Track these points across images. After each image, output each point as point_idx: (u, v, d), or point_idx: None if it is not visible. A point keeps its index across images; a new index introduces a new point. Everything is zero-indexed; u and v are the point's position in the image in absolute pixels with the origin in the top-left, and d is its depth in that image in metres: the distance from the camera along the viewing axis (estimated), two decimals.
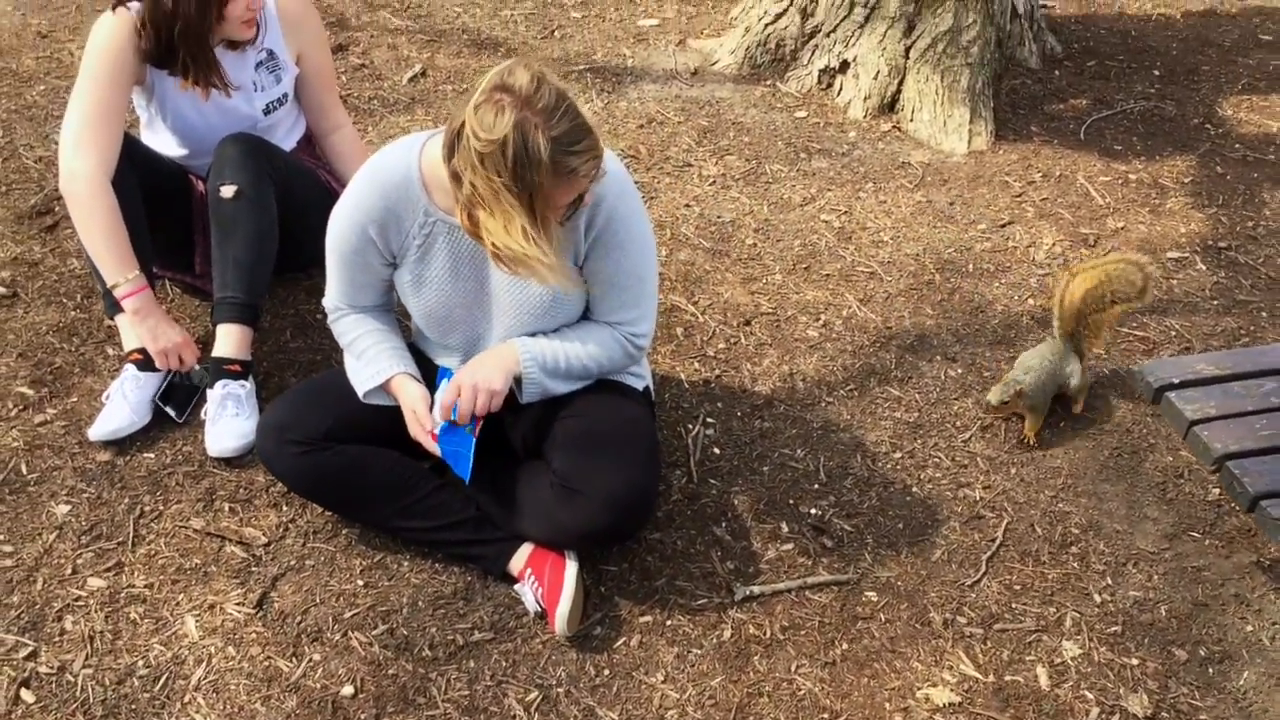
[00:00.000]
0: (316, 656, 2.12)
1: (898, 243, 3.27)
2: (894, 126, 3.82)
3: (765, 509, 2.45)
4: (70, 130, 2.47)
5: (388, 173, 2.09)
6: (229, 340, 2.53)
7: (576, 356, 2.18)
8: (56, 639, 2.12)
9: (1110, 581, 2.34)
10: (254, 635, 2.15)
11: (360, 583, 2.25)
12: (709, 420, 2.66)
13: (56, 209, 3.12)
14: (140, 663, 2.09)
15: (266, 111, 2.70)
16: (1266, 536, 2.35)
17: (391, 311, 2.33)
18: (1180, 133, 3.85)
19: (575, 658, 2.14)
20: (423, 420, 2.15)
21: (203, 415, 2.52)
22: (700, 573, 2.31)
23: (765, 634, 2.20)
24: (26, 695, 2.02)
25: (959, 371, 2.84)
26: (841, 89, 3.92)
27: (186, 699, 2.03)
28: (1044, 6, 4.45)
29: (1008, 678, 2.15)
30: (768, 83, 4.01)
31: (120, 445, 2.49)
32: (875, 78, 3.84)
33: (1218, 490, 2.54)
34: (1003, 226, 3.36)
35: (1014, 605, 2.29)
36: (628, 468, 2.14)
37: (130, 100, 2.60)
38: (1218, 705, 2.12)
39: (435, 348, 2.33)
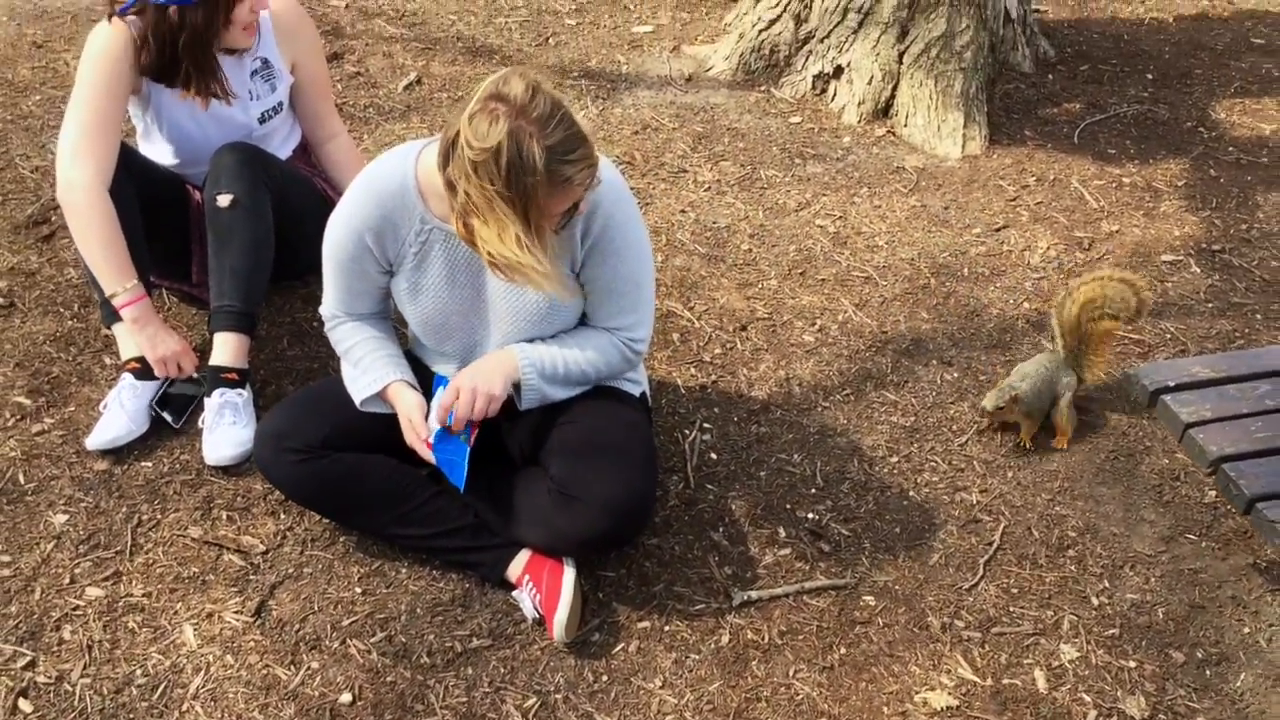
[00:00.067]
0: (315, 664, 2.12)
1: (893, 247, 3.28)
2: (888, 131, 3.83)
3: (762, 514, 2.46)
4: (67, 140, 2.47)
5: (384, 181, 2.10)
6: (226, 349, 2.53)
7: (575, 362, 2.18)
8: (54, 648, 2.12)
9: (1107, 584, 2.35)
10: (252, 643, 2.15)
11: (358, 590, 2.25)
12: (706, 426, 2.66)
13: (53, 219, 3.12)
14: (138, 671, 2.09)
15: (262, 120, 2.71)
16: (1263, 538, 2.36)
17: (388, 319, 2.34)
18: (1173, 136, 3.86)
19: (573, 664, 2.15)
20: (418, 428, 2.16)
21: (200, 424, 2.52)
22: (698, 578, 2.31)
23: (763, 639, 2.21)
24: (24, 705, 2.02)
25: (955, 375, 2.84)
26: (836, 94, 3.93)
27: (185, 708, 2.03)
28: (1036, 11, 4.46)
29: (1005, 681, 2.16)
30: (762, 88, 4.02)
31: (118, 454, 2.49)
32: (869, 83, 3.85)
33: (1214, 493, 2.54)
34: (997, 231, 3.37)
35: (1011, 608, 2.29)
36: (625, 474, 2.14)
37: (127, 110, 2.61)
38: (1215, 707, 2.12)
39: (432, 355, 2.33)
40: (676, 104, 3.91)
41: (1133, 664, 2.20)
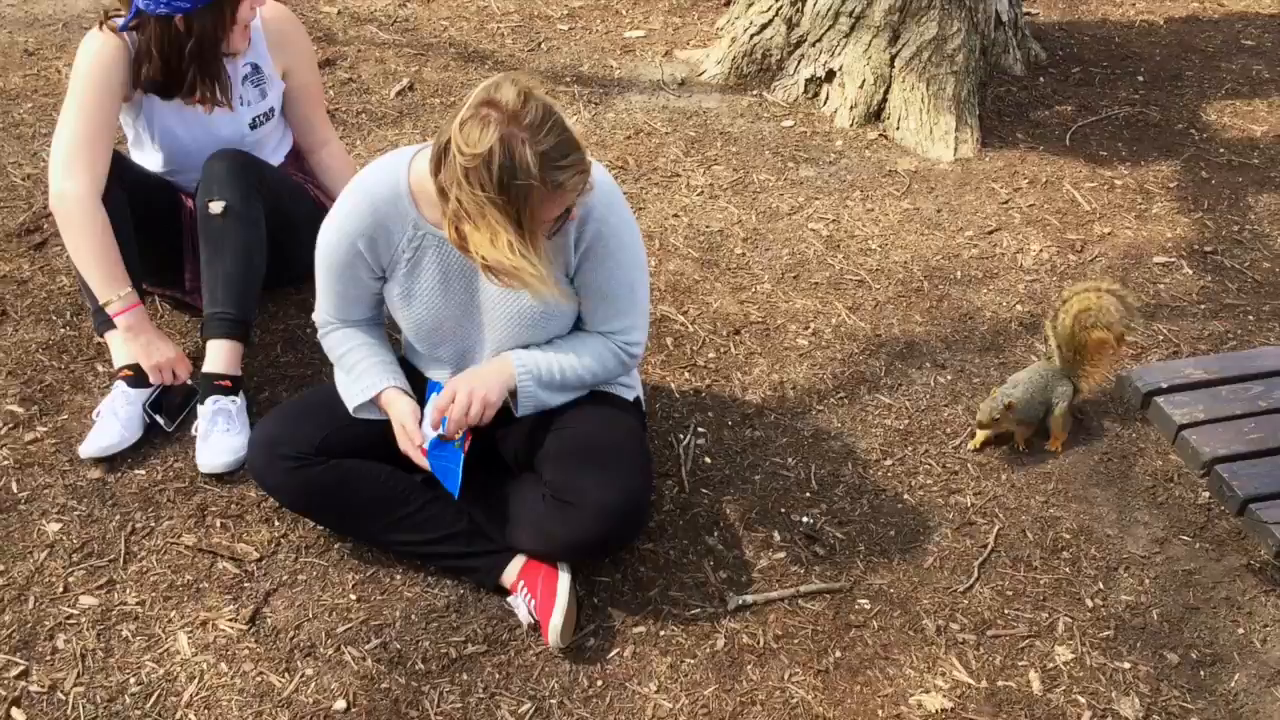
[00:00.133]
0: (309, 671, 2.12)
1: (886, 250, 3.28)
2: (880, 135, 3.83)
3: (757, 518, 2.46)
4: (60, 150, 2.47)
5: (376, 186, 2.10)
6: (219, 356, 2.53)
7: (572, 368, 2.18)
8: (48, 657, 2.12)
9: (1102, 586, 2.35)
10: (246, 651, 2.15)
11: (353, 597, 2.25)
12: (700, 430, 2.66)
13: (45, 227, 3.12)
14: (132, 680, 2.08)
15: (253, 126, 2.71)
16: (1256, 539, 2.36)
17: (381, 325, 2.34)
18: (1165, 138, 3.87)
19: (568, 669, 2.14)
20: (412, 435, 2.15)
21: (193, 431, 2.51)
22: (693, 582, 2.31)
23: (758, 643, 2.21)
24: (18, 714, 2.02)
25: (948, 378, 2.85)
26: (828, 98, 3.94)
27: (179, 716, 2.03)
28: (1027, 14, 4.47)
29: (1000, 683, 2.16)
30: (754, 93, 4.02)
31: (111, 462, 2.48)
32: (861, 86, 3.86)
33: (1207, 494, 2.55)
34: (990, 233, 3.38)
35: (1006, 611, 2.29)
36: (620, 479, 2.14)
37: (119, 118, 2.60)
38: (1209, 708, 2.13)
39: (426, 361, 2.33)
40: (669, 109, 3.91)
41: (1127, 665, 2.20)
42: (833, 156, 3.71)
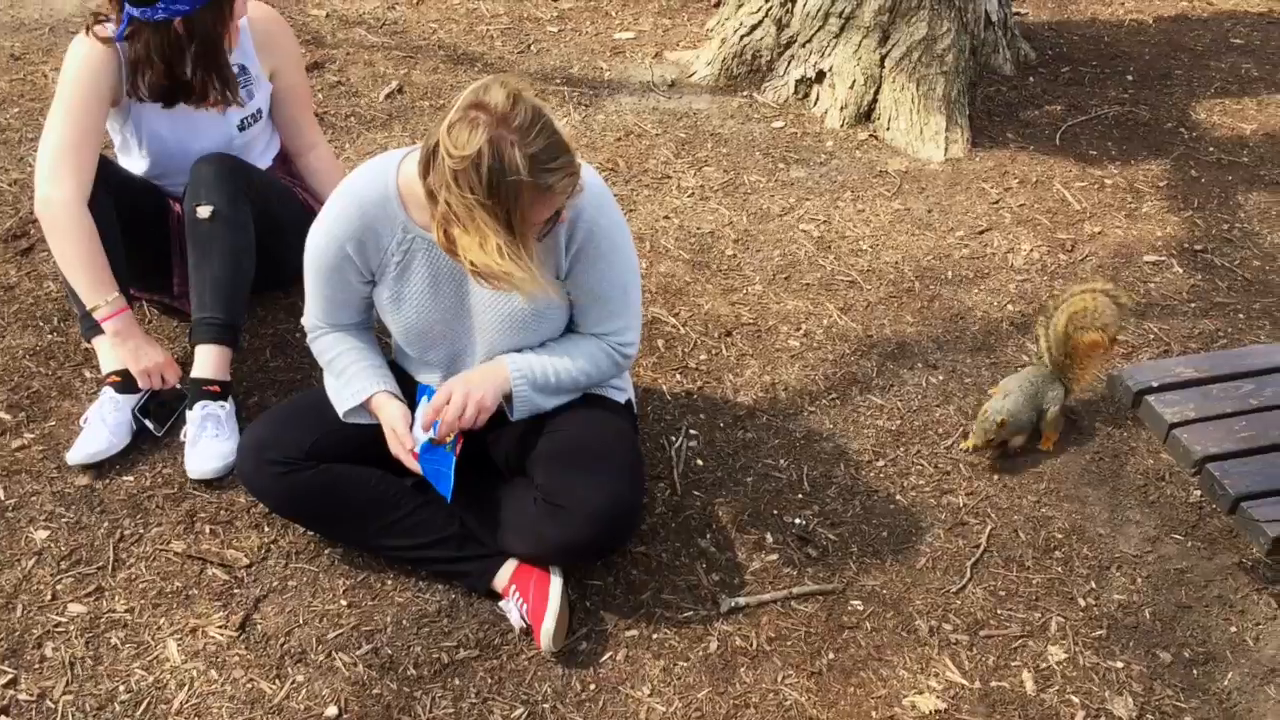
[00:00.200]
0: (300, 678, 2.10)
1: (877, 251, 3.28)
2: (871, 135, 3.83)
3: (749, 520, 2.45)
4: (46, 156, 2.45)
5: (365, 190, 2.09)
6: (208, 361, 2.51)
7: (566, 371, 2.17)
8: (36, 665, 2.10)
9: (1094, 585, 2.35)
10: (236, 658, 2.13)
11: (344, 603, 2.24)
12: (692, 432, 2.66)
13: (31, 232, 3.10)
14: (121, 688, 2.07)
15: (241, 128, 2.69)
16: (1248, 538, 2.36)
17: (371, 329, 2.33)
18: (1154, 137, 3.87)
19: (561, 673, 2.14)
20: (403, 439, 2.15)
21: (182, 437, 2.50)
22: (685, 585, 2.31)
23: (751, 645, 2.20)
24: None
25: (940, 379, 2.84)
26: (818, 99, 3.94)
27: None
28: (1017, 14, 4.48)
29: (994, 684, 2.16)
30: (744, 94, 4.02)
31: (99, 469, 2.47)
32: (851, 87, 3.85)
33: (1199, 492, 2.55)
34: (981, 233, 3.38)
35: (999, 611, 2.29)
36: (611, 482, 2.13)
37: (105, 123, 2.59)
38: (1202, 707, 2.13)
39: (416, 365, 2.32)
40: (659, 110, 3.90)
41: (1120, 664, 2.20)
42: (823, 157, 3.71)
